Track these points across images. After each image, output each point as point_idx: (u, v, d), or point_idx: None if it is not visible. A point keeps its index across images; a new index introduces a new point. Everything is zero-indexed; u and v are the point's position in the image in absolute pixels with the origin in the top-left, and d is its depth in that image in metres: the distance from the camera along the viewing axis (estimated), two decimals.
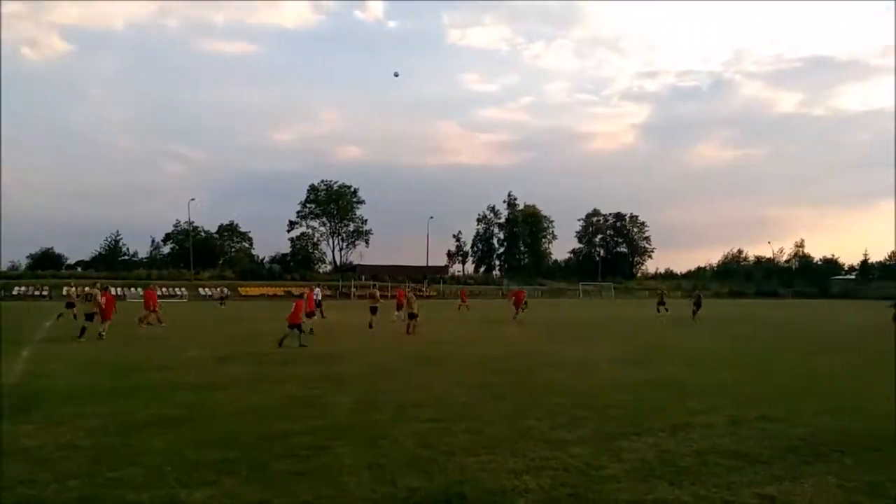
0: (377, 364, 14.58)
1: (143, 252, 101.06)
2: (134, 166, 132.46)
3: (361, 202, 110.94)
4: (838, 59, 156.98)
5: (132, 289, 65.53)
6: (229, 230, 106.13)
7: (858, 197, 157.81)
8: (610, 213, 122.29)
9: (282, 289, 76.64)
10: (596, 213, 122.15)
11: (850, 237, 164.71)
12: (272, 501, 5.37)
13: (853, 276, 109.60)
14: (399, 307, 30.43)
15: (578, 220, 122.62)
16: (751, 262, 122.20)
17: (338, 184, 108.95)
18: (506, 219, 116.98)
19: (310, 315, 22.74)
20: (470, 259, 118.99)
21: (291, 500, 5.40)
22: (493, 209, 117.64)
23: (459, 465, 6.39)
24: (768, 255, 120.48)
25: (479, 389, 10.98)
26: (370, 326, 25.47)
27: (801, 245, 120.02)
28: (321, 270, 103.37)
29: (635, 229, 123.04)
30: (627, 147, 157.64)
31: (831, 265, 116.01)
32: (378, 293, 28.91)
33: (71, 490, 5.66)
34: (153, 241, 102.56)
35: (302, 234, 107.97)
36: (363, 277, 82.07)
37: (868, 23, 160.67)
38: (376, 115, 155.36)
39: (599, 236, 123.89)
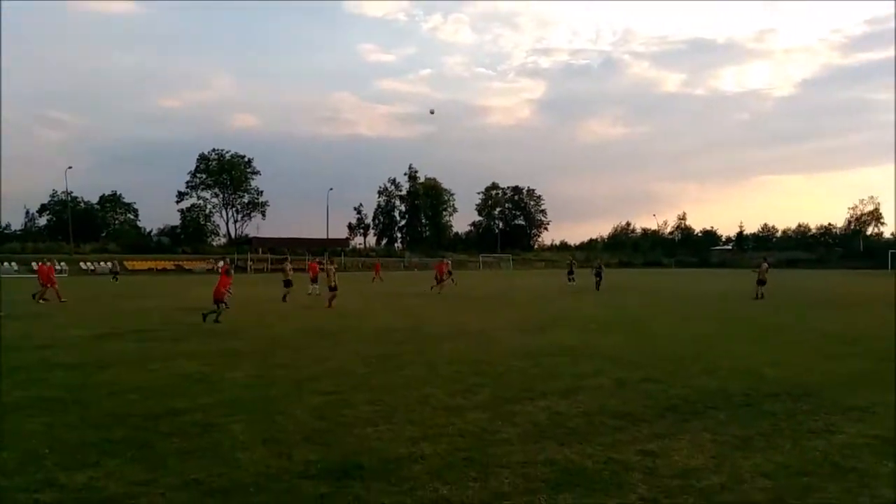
0: (275, 338, 14.26)
1: (17, 224, 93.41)
2: (5, 132, 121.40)
3: (256, 173, 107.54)
4: (718, 42, 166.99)
5: (5, 263, 60.51)
6: (112, 201, 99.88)
7: (735, 172, 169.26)
8: (508, 187, 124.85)
9: (171, 262, 73.22)
10: (495, 186, 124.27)
11: (727, 210, 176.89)
12: (158, 481, 5.15)
13: (730, 247, 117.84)
14: (313, 280, 30.08)
15: (478, 193, 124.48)
16: (638, 234, 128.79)
17: (230, 153, 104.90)
18: (407, 191, 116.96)
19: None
20: (371, 231, 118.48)
21: (179, 478, 5.20)
22: (394, 182, 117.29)
23: (357, 436, 6.39)
24: (654, 227, 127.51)
25: (379, 361, 10.98)
26: (284, 300, 25.13)
27: (683, 218, 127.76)
28: (214, 243, 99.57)
29: (532, 202, 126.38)
30: (524, 122, 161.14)
31: (710, 236, 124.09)
32: (291, 267, 28.12)
33: None
34: (28, 212, 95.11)
35: (192, 205, 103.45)
36: (260, 251, 79.63)
37: (744, 8, 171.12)
38: (271, 83, 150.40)
39: (498, 209, 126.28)
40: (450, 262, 38.26)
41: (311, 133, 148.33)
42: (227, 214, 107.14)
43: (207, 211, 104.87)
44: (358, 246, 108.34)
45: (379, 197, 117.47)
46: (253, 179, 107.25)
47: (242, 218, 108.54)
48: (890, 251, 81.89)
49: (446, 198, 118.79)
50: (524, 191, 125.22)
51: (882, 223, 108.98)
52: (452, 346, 12.73)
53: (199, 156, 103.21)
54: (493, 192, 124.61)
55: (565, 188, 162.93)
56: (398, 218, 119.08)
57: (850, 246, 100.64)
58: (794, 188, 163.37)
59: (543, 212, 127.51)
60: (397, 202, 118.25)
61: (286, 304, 24.42)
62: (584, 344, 13.06)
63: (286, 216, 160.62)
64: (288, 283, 26.37)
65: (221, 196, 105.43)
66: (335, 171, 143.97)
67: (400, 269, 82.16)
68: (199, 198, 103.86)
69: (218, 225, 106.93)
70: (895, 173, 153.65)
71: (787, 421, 6.94)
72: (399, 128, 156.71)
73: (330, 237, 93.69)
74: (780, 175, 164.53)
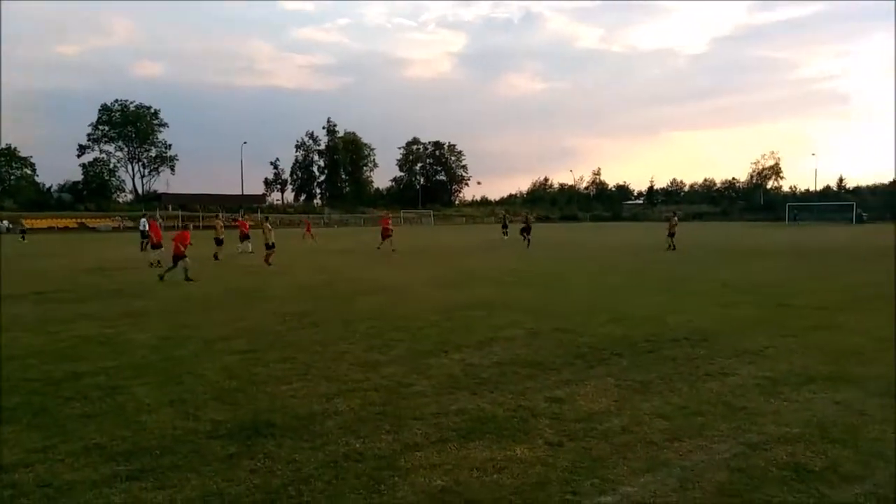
0: (186, 298, 13.80)
1: None
2: None
3: (164, 125, 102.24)
4: None
5: None
6: (6, 155, 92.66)
7: (646, 128, 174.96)
8: (429, 142, 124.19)
9: (74, 220, 69.22)
10: (416, 141, 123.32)
11: (639, 166, 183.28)
12: (57, 447, 4.93)
13: (641, 202, 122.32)
14: (243, 237, 29.13)
15: (399, 148, 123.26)
16: (555, 189, 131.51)
17: (135, 104, 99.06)
18: (325, 146, 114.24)
19: (156, 247, 21.81)
20: (289, 187, 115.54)
21: (80, 444, 5.00)
22: (311, 135, 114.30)
23: (269, 395, 6.31)
24: (570, 182, 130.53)
25: (294, 318, 10.83)
26: (216, 258, 24.40)
27: (598, 173, 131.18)
28: (121, 200, 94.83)
29: (453, 158, 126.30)
30: (445, 75, 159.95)
31: (623, 191, 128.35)
32: (222, 224, 27.10)
33: None
34: None
35: (95, 159, 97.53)
36: (170, 207, 76.32)
37: None
38: (178, 29, 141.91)
39: (419, 165, 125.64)
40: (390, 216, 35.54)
41: (224, 83, 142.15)
42: (132, 169, 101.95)
43: (112, 165, 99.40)
44: (275, 202, 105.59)
45: (296, 151, 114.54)
46: (160, 132, 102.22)
47: (150, 173, 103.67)
48: (787, 204, 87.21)
49: (366, 153, 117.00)
50: (445, 146, 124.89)
51: (781, 177, 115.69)
52: (370, 303, 12.70)
53: (101, 106, 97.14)
54: (415, 148, 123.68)
55: (486, 143, 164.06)
56: (317, 173, 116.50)
57: (752, 199, 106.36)
58: (702, 144, 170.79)
59: (464, 167, 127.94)
60: (316, 157, 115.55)
61: (216, 262, 23.66)
62: (500, 297, 13.32)
63: (198, 171, 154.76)
64: (219, 242, 25.66)
65: (126, 150, 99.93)
66: (250, 125, 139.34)
67: (320, 226, 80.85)
68: (101, 151, 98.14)
69: (123, 180, 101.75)
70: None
71: (686, 365, 7.35)
72: (317, 79, 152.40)
73: (245, 193, 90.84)
74: (690, 131, 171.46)
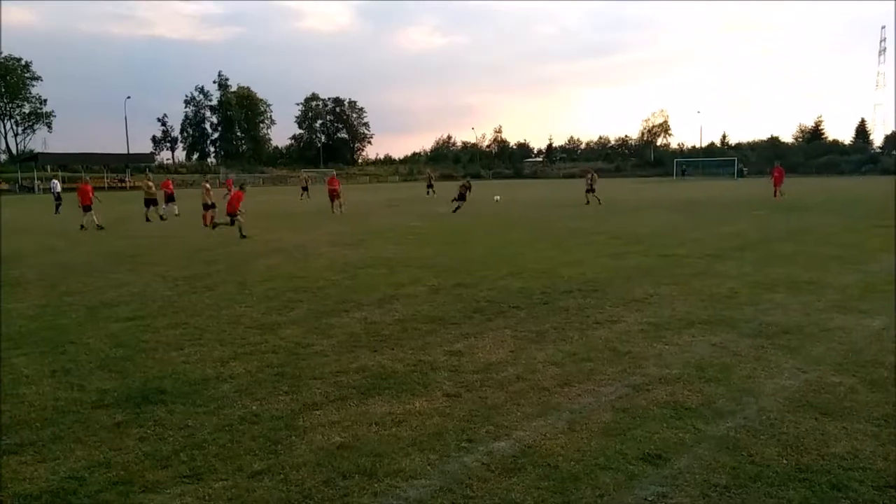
0: (67, 264, 12.92)
1: None
2: None
3: (37, 78, 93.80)
4: None
5: None
6: None
7: (544, 85, 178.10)
8: (329, 98, 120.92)
9: None
10: (315, 97, 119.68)
11: (538, 124, 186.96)
12: None
13: (541, 159, 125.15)
14: (169, 199, 27.40)
15: (297, 104, 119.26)
16: (458, 147, 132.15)
17: (3, 55, 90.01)
18: (218, 101, 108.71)
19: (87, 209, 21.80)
20: (180, 145, 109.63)
21: None
22: (202, 90, 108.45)
23: (160, 361, 6.06)
24: (473, 140, 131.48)
25: (186, 282, 10.40)
26: (147, 220, 23.71)
27: (499, 131, 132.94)
28: None
29: (354, 115, 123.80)
30: (343, 28, 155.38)
31: (524, 149, 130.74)
32: (152, 183, 25.50)
33: None
34: None
35: None
36: (49, 168, 70.66)
37: None
38: None
39: (319, 121, 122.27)
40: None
41: (102, 33, 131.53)
42: (4, 127, 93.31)
43: None
44: (165, 161, 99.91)
45: (186, 107, 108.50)
46: (33, 86, 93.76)
47: (24, 131, 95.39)
48: (675, 160, 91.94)
49: (262, 109, 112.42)
50: (346, 102, 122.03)
51: (670, 134, 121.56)
52: (267, 264, 12.39)
53: None
54: (314, 104, 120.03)
55: (388, 99, 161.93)
56: (210, 130, 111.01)
57: (643, 156, 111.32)
58: (597, 102, 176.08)
59: (366, 125, 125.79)
60: (207, 113, 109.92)
61: (151, 223, 22.71)
62: (402, 255, 13.35)
63: (78, 129, 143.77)
64: (150, 203, 24.80)
65: None
66: (133, 78, 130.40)
67: (215, 187, 77.60)
68: None
69: None
70: None
71: (577, 314, 7.68)
72: (204, 30, 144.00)
73: (132, 152, 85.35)
74: (585, 88, 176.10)
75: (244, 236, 17.16)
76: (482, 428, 4.41)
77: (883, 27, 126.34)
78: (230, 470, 3.85)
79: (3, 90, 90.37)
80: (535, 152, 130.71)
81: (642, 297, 8.57)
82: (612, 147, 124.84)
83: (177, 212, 26.69)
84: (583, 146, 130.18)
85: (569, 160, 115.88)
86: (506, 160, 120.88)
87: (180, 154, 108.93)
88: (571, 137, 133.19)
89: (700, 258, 12.04)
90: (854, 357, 5.81)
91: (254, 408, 4.85)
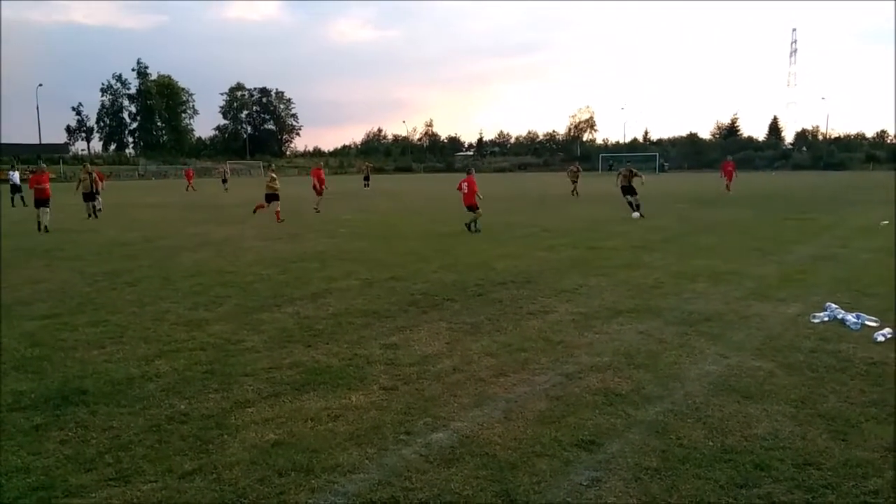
0: None
1: None
2: None
3: None
4: None
5: None
6: None
7: (474, 80, 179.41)
8: (255, 88, 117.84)
9: None
10: (240, 87, 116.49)
11: (468, 118, 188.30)
12: None
13: (472, 153, 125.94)
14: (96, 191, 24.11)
15: (221, 94, 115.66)
16: (389, 140, 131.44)
17: None
18: (137, 90, 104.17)
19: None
20: (96, 135, 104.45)
21: None
22: (119, 78, 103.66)
23: (80, 361, 5.75)
24: (404, 133, 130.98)
25: (106, 278, 9.93)
26: (90, 216, 21.73)
27: (430, 125, 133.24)
28: None
29: (282, 106, 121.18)
30: (270, 18, 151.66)
31: (455, 143, 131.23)
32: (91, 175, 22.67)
33: None
34: None
35: None
36: None
37: None
38: None
39: (245, 112, 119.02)
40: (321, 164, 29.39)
41: (11, 18, 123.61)
42: None
43: None
44: (80, 152, 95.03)
45: (103, 96, 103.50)
46: None
47: None
48: (601, 155, 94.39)
49: (185, 98, 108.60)
50: (273, 93, 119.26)
51: (595, 130, 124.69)
52: (193, 258, 11.97)
53: None
54: (239, 94, 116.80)
55: (317, 92, 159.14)
56: (128, 120, 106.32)
57: (570, 151, 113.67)
58: (526, 97, 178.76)
59: (295, 116, 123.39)
60: (126, 102, 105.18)
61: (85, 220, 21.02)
62: (335, 248, 13.18)
63: None
64: (89, 197, 22.12)
65: None
66: (45, 65, 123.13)
67: (134, 178, 74.38)
68: None
69: None
70: None
71: (511, 306, 7.78)
72: (123, 17, 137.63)
73: (44, 142, 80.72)
74: (515, 84, 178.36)
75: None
76: (420, 420, 4.40)
77: (794, 29, 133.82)
78: (159, 471, 3.70)
79: None
80: (466, 146, 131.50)
81: (572, 288, 8.77)
82: (540, 142, 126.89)
83: (99, 206, 24.76)
84: (512, 140, 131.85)
85: (499, 154, 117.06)
86: (437, 154, 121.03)
87: (96, 144, 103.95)
88: (501, 132, 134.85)
89: (627, 250, 12.42)
90: (772, 342, 6.12)
91: (182, 407, 4.68)
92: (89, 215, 21.71)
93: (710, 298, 8.07)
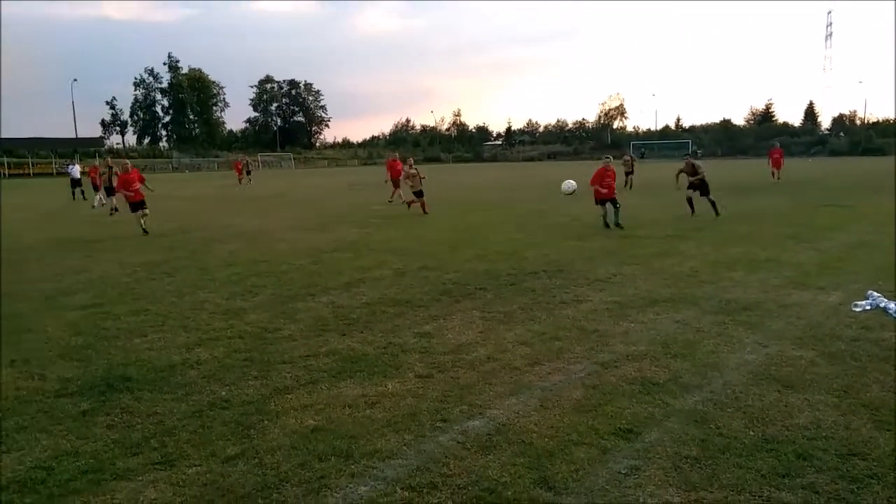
0: (19, 250, 12.47)
1: None
2: None
3: None
4: None
5: None
6: None
7: (502, 68, 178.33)
8: (284, 80, 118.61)
9: None
10: (269, 79, 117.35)
11: (497, 107, 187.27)
12: None
13: (500, 143, 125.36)
14: (98, 189, 23.71)
15: (251, 87, 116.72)
16: (417, 131, 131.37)
17: None
18: (168, 84, 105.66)
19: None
20: (130, 129, 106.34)
21: None
22: (151, 72, 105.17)
23: (123, 349, 5.91)
24: (432, 123, 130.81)
25: (144, 269, 10.15)
26: (112, 212, 20.51)
27: (458, 114, 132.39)
28: None
29: (311, 97, 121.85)
30: (298, 10, 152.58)
31: (483, 132, 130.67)
32: (112, 169, 21.61)
33: None
34: None
35: None
36: None
37: None
38: None
39: (275, 105, 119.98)
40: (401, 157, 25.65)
41: (47, 13, 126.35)
42: None
43: None
44: (115, 146, 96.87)
45: (135, 90, 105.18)
46: None
47: None
48: (631, 142, 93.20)
49: (215, 91, 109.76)
50: (302, 85, 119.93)
51: (626, 117, 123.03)
52: (229, 249, 12.16)
53: None
54: (269, 86, 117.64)
55: (345, 83, 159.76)
56: (161, 114, 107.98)
57: (601, 139, 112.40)
58: (555, 84, 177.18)
59: (323, 108, 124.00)
60: (158, 96, 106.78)
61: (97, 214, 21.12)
62: (366, 239, 13.26)
63: (23, 113, 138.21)
64: (111, 191, 20.80)
65: None
66: (80, 60, 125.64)
67: (168, 171, 75.61)
68: None
69: None
70: None
71: (544, 295, 7.75)
72: (153, 10, 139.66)
73: (80, 136, 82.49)
74: (544, 71, 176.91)
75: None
76: (455, 407, 4.43)
77: (829, 12, 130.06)
78: (203, 455, 3.79)
79: None
80: (495, 135, 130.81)
81: (606, 277, 8.70)
82: (569, 130, 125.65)
83: (103, 202, 22.92)
84: (541, 129, 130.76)
85: (528, 143, 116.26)
86: (465, 143, 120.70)
87: (130, 138, 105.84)
88: (530, 120, 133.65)
89: (660, 239, 12.27)
90: (812, 331, 6.01)
91: (223, 393, 4.77)
92: (114, 210, 20.58)
93: (748, 287, 7.94)
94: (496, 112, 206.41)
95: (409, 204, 19.57)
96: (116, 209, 20.35)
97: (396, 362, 5.42)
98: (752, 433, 3.94)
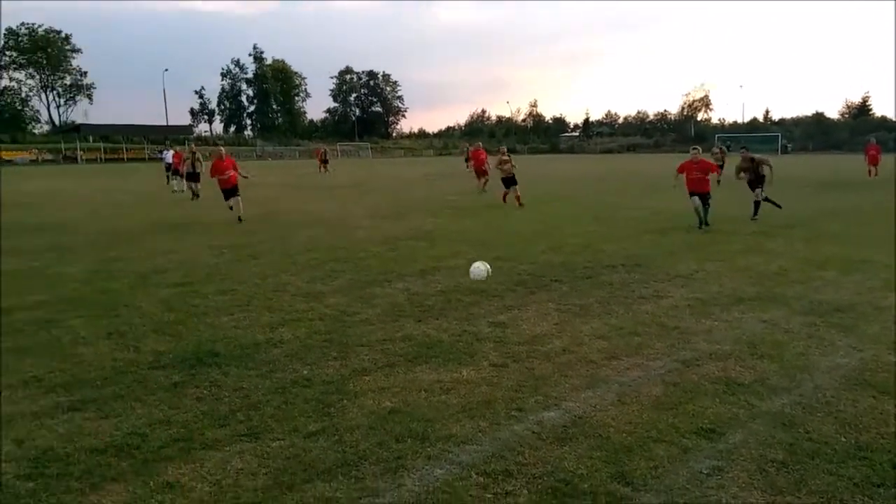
0: (114, 232, 13.25)
1: None
2: None
3: (77, 51, 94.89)
4: None
5: None
6: None
7: (583, 58, 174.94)
8: (363, 71, 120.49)
9: None
10: (349, 70, 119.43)
11: (574, 97, 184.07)
12: None
13: (577, 134, 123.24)
14: (178, 172, 24.01)
15: (331, 77, 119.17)
16: (493, 122, 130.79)
17: (43, 27, 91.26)
18: (254, 74, 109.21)
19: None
20: (217, 118, 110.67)
21: (16, 377, 4.82)
22: (237, 63, 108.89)
23: (211, 326, 6.19)
24: (507, 114, 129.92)
25: (230, 251, 10.58)
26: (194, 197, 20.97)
27: (534, 105, 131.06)
28: (36, 131, 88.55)
29: (388, 88, 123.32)
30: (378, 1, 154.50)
31: (560, 123, 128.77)
32: (198, 155, 22.14)
33: None
34: None
35: (5, 88, 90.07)
36: (91, 139, 72.18)
37: None
38: None
39: (354, 95, 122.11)
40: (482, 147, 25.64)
41: (139, 6, 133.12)
42: (47, 98, 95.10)
43: (24, 95, 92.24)
44: (203, 133, 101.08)
45: (222, 80, 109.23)
46: (74, 58, 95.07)
47: (66, 102, 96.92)
48: (717, 135, 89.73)
49: (297, 82, 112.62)
50: (380, 76, 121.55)
51: (711, 109, 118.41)
52: (309, 235, 12.50)
53: (7, 30, 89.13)
54: (348, 77, 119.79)
55: (422, 74, 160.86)
56: (246, 103, 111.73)
57: (683, 131, 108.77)
58: (636, 75, 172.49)
59: (401, 98, 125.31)
60: (244, 86, 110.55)
61: (191, 201, 20.82)
62: (442, 228, 13.35)
63: (118, 101, 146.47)
64: (192, 177, 21.42)
65: (38, 77, 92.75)
66: (171, 51, 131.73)
67: (252, 159, 78.36)
68: (11, 79, 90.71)
69: (38, 110, 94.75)
70: None
71: (622, 289, 7.60)
72: (239, 3, 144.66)
73: (170, 124, 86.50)
74: (624, 61, 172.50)
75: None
76: (531, 398, 4.42)
77: None
78: (286, 430, 3.93)
79: (44, 62, 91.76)
80: (572, 127, 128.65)
81: (688, 273, 8.44)
82: (650, 122, 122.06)
83: (185, 189, 22.82)
84: (620, 120, 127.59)
85: (606, 135, 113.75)
86: (541, 135, 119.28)
87: (217, 126, 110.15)
88: (609, 111, 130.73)
89: (746, 235, 11.80)
90: None
91: (305, 372, 4.93)
92: (195, 195, 20.95)
93: (841, 288, 7.53)
94: (574, 103, 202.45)
95: (482, 186, 20.99)
96: (198, 195, 20.89)
97: (471, 350, 5.44)
98: (843, 439, 3.75)
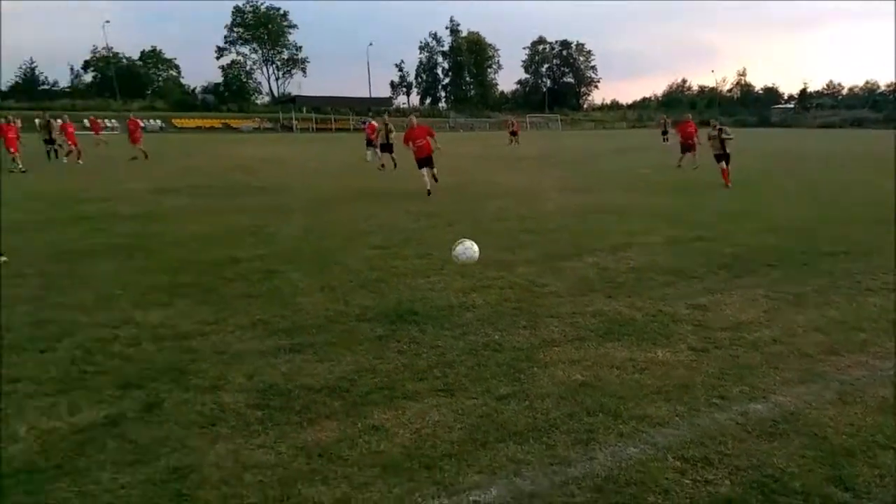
0: (323, 196, 14.45)
1: (64, 81, 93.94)
2: None
3: (293, 27, 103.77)
4: None
5: (58, 120, 61.66)
6: (153, 57, 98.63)
7: (803, 22, 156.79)
8: (556, 41, 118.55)
9: (218, 121, 73.51)
10: (542, 40, 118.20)
11: (791, 65, 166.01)
12: (227, 321, 5.44)
13: (792, 106, 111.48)
14: (372, 143, 24.94)
15: (524, 48, 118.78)
16: (694, 92, 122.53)
17: (265, 5, 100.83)
18: (449, 47, 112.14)
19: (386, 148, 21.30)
20: (415, 90, 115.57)
21: (246, 318, 5.49)
22: (435, 36, 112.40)
23: (409, 286, 6.55)
24: (711, 84, 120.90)
25: (426, 218, 11.07)
26: (382, 167, 21.68)
27: (743, 74, 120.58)
28: (259, 102, 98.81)
29: (581, 58, 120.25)
30: None
31: (772, 94, 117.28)
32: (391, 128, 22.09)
33: (22, 315, 5.58)
34: (72, 68, 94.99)
35: (233, 62, 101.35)
36: (304, 109, 78.99)
37: None
38: None
39: (546, 66, 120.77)
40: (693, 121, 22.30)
41: None
42: (268, 71, 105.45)
43: (248, 68, 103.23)
44: (402, 105, 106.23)
45: (420, 53, 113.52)
46: (290, 34, 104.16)
47: (283, 75, 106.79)
48: None
49: (490, 54, 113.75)
50: (573, 45, 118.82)
51: None
52: (500, 205, 12.68)
53: (235, 8, 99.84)
54: (541, 48, 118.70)
55: (615, 42, 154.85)
56: (441, 76, 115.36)
57: None
58: (866, 40, 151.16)
59: (594, 69, 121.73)
60: (440, 59, 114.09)
61: (368, 167, 22.28)
62: (635, 203, 12.86)
63: (327, 74, 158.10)
64: (386, 148, 21.82)
65: (261, 52, 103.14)
66: (374, 25, 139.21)
67: (445, 130, 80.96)
68: (238, 53, 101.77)
69: (260, 83, 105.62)
70: None
71: (844, 279, 6.81)
72: None
73: (373, 96, 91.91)
74: (852, 25, 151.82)
75: None
76: (735, 387, 4.14)
77: None
78: (479, 390, 4.07)
79: (266, 37, 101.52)
80: (786, 98, 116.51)
81: None
82: (881, 93, 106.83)
83: (380, 160, 22.85)
84: (845, 91, 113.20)
85: (828, 107, 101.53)
86: (750, 106, 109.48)
87: (414, 98, 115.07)
88: (831, 82, 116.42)
89: None
90: None
91: (496, 337, 5.06)
92: (382, 166, 21.45)
93: None
94: (790, 72, 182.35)
95: (694, 158, 20.53)
96: (384, 165, 21.64)
97: (667, 331, 5.22)
98: None
